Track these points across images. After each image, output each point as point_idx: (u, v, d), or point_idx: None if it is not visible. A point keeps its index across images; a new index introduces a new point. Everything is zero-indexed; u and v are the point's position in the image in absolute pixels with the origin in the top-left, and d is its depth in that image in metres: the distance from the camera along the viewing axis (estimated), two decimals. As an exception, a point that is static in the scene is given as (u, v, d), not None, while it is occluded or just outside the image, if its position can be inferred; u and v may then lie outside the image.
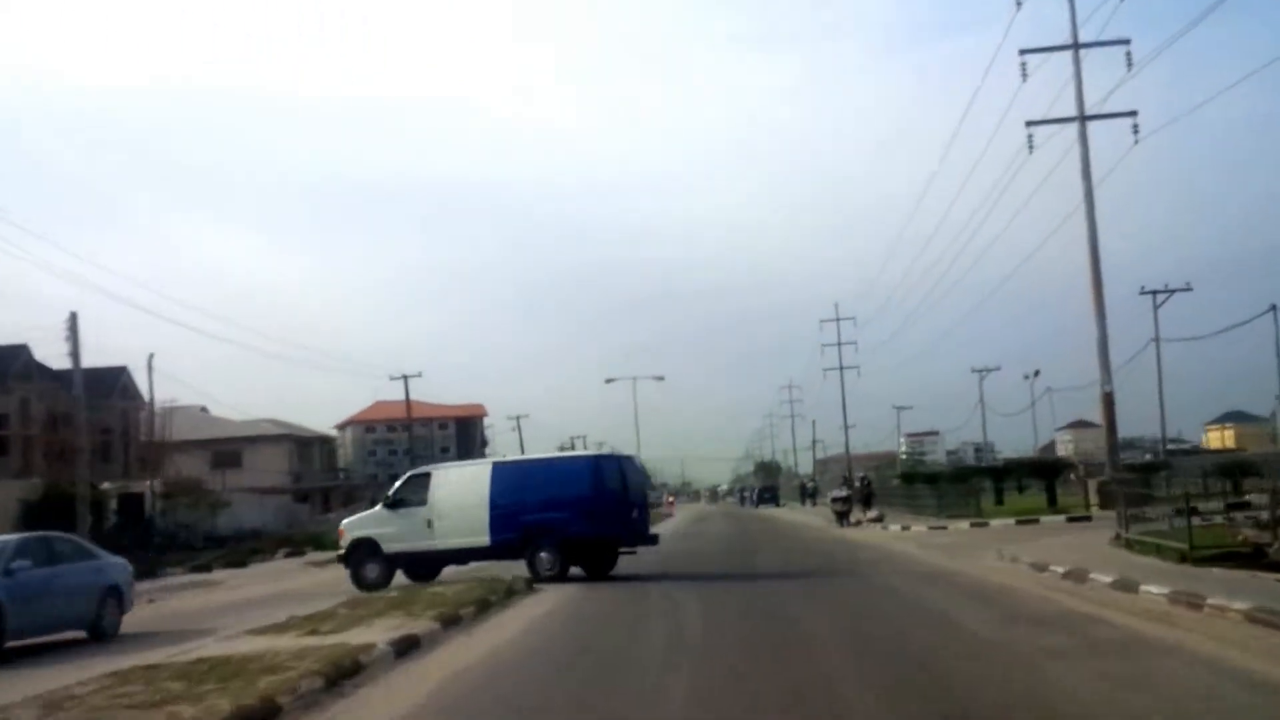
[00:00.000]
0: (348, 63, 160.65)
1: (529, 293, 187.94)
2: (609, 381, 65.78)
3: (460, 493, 20.41)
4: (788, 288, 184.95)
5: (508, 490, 20.18)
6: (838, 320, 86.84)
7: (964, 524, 31.70)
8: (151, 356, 44.09)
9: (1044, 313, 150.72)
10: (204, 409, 71.72)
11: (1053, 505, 36.40)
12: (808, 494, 73.59)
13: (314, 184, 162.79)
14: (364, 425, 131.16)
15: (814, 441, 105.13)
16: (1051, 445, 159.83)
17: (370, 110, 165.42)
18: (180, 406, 69.46)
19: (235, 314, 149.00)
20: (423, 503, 20.43)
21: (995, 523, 31.39)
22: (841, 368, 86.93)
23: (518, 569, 19.78)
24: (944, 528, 31.61)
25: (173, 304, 73.24)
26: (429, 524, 20.20)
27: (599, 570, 20.45)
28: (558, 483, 20.36)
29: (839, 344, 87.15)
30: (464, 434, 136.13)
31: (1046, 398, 76.51)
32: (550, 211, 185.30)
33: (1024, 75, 33.89)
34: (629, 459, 22.12)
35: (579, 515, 19.90)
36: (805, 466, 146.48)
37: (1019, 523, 30.64)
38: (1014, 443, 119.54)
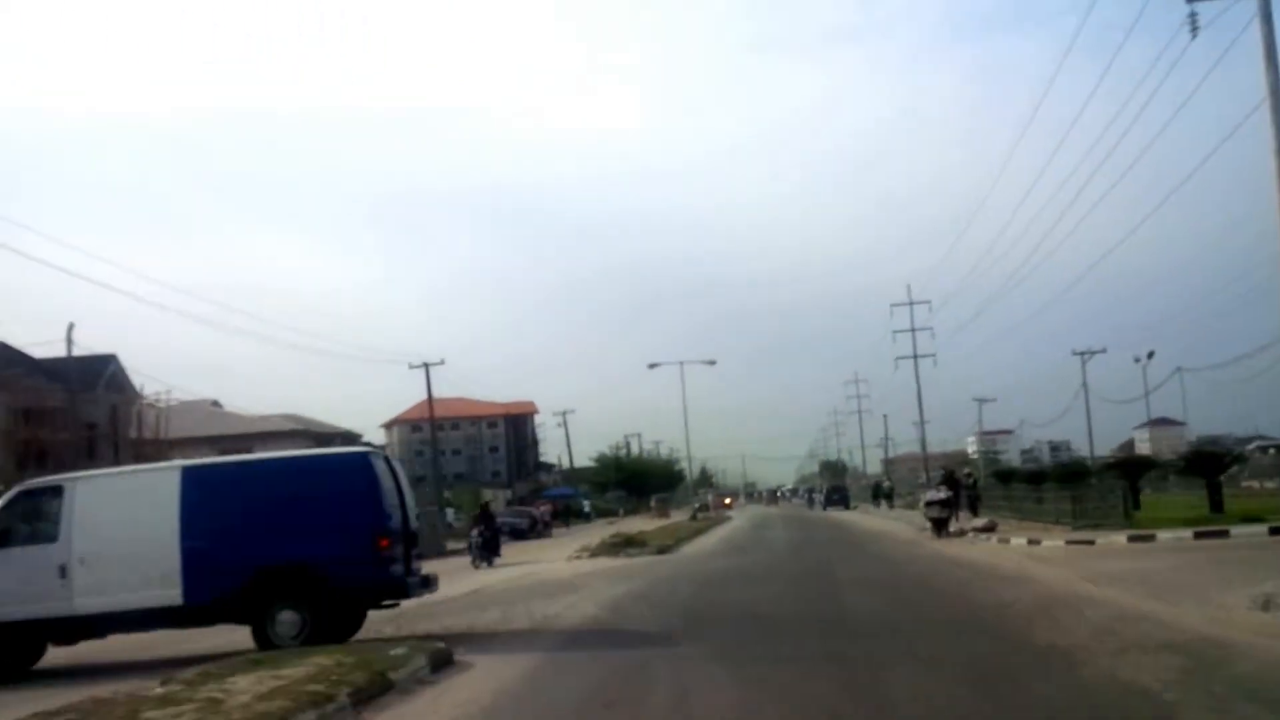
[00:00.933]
0: (396, 74, 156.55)
1: (583, 292, 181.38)
2: (653, 367, 57.12)
3: (125, 519, 12.48)
4: (853, 273, 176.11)
5: (215, 513, 12.41)
6: (910, 304, 78.27)
7: (1117, 537, 22.87)
8: (71, 327, 36.47)
9: (1142, 291, 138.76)
10: (215, 403, 64.98)
11: (1217, 510, 27.34)
12: (882, 494, 64.47)
13: (362, 192, 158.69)
14: (410, 424, 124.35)
15: (885, 439, 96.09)
16: (1130, 444, 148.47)
17: (417, 119, 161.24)
18: (189, 401, 63.02)
19: (280, 315, 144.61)
20: (50, 538, 12.40)
21: (1164, 535, 22.52)
22: (916, 356, 78.40)
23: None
24: (1090, 542, 22.79)
25: (221, 308, 66.39)
26: (63, 572, 12.17)
27: (342, 633, 12.48)
28: (305, 499, 12.48)
29: (913, 330, 78.64)
30: (515, 432, 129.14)
31: (1176, 380, 66.31)
32: (601, 209, 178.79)
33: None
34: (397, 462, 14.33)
35: (348, 549, 12.17)
36: (873, 465, 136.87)
37: (1198, 535, 21.81)
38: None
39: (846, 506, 71.35)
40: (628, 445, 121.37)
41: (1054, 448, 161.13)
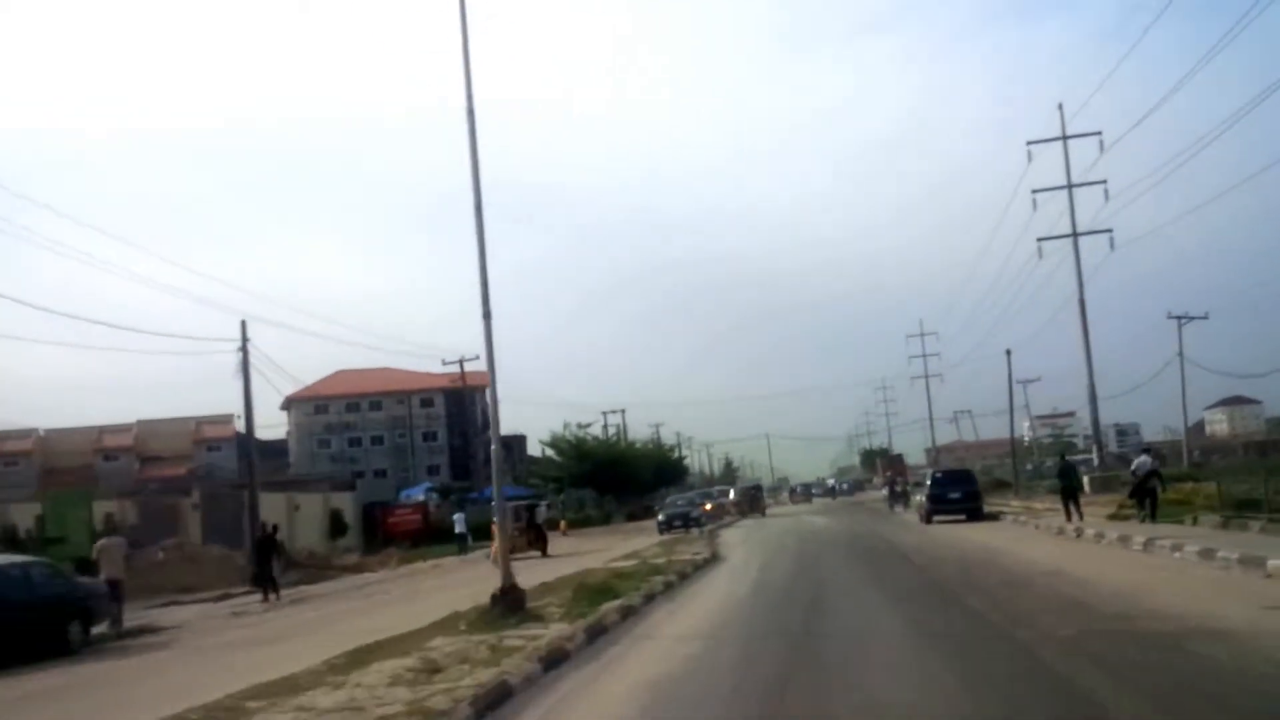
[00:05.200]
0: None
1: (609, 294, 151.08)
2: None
3: None
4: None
5: None
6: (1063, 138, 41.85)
7: None
8: None
9: None
10: None
11: None
12: (1137, 483, 25.20)
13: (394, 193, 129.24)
14: (313, 403, 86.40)
15: (1009, 403, 57.73)
16: (1200, 425, 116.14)
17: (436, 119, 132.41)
18: None
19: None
20: None
21: None
22: (1075, 234, 42.83)
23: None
24: None
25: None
26: None
27: None
28: None
29: (1069, 186, 42.51)
30: (458, 412, 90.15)
31: None
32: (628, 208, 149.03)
33: None
34: None
35: None
36: (915, 455, 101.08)
37: None
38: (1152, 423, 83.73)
39: (978, 516, 33.12)
40: (606, 426, 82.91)
41: (1120, 431, 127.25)
